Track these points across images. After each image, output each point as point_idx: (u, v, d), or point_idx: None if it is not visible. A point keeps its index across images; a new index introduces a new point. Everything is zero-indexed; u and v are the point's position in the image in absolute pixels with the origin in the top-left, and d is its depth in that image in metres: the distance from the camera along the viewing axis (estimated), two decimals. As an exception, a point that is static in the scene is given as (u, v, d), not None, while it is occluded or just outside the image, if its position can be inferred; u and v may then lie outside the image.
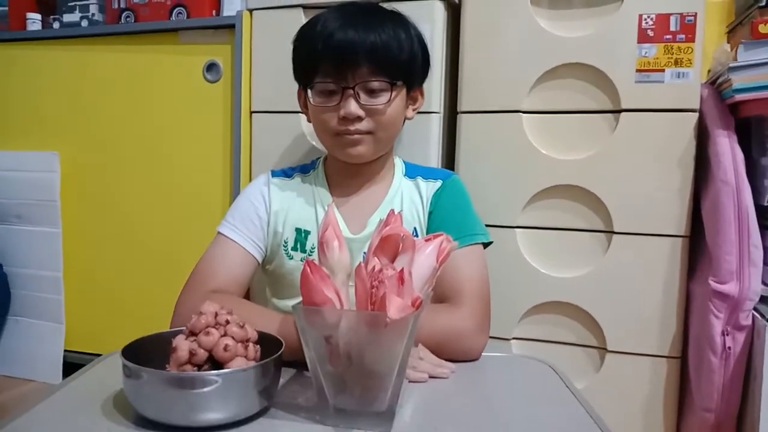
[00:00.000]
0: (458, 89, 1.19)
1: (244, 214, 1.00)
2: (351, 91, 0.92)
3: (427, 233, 0.96)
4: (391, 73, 0.93)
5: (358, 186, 1.03)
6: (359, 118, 0.93)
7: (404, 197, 1.02)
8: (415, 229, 1.00)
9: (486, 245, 1.00)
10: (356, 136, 0.94)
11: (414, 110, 1.03)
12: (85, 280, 1.54)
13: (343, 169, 1.03)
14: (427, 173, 1.05)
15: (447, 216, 1.00)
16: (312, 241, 1.00)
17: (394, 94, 0.94)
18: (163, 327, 0.72)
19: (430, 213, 1.01)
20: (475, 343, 0.88)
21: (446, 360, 0.85)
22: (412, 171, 1.06)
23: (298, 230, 1.01)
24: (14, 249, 1.58)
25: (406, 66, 0.95)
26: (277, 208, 1.01)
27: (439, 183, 1.03)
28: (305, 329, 0.64)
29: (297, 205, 1.02)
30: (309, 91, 0.96)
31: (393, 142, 1.04)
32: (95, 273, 1.53)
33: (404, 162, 1.08)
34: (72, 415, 0.66)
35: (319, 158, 1.09)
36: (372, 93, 0.93)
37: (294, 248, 1.00)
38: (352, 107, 0.92)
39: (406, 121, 1.04)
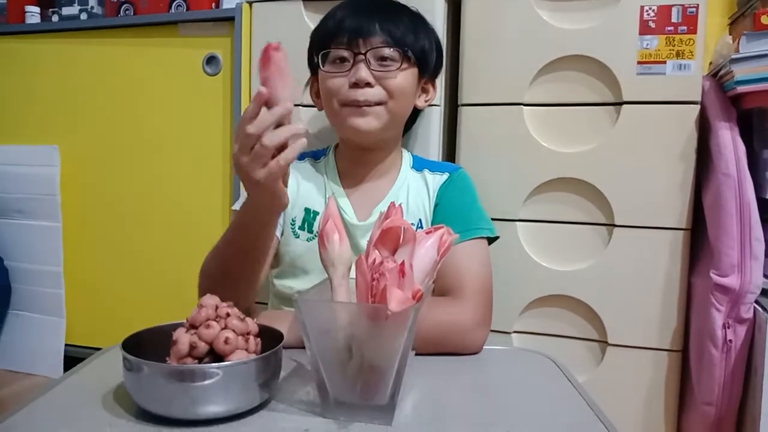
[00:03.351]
0: (459, 82, 1.19)
1: None
2: (362, 57, 0.94)
3: (432, 226, 0.95)
4: (402, 44, 0.95)
5: (366, 175, 1.03)
6: (369, 85, 0.94)
7: (410, 189, 1.03)
8: (420, 220, 1.00)
9: (492, 240, 1.00)
10: (365, 108, 0.95)
11: (426, 101, 1.05)
12: (85, 274, 1.54)
13: (352, 157, 1.04)
14: (434, 166, 1.06)
15: (452, 209, 1.00)
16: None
17: (405, 64, 0.96)
18: (164, 321, 0.72)
19: (436, 205, 1.01)
20: (476, 337, 0.88)
21: (447, 354, 0.85)
22: (420, 164, 1.07)
23: (307, 210, 1.01)
24: (15, 243, 1.58)
25: (419, 44, 0.98)
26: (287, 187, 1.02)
27: (446, 176, 1.03)
28: (306, 322, 0.64)
29: (307, 187, 1.03)
30: (321, 64, 0.97)
31: (402, 124, 1.04)
32: (96, 267, 1.53)
33: (412, 154, 1.09)
34: (73, 409, 0.66)
35: (329, 146, 1.09)
36: (383, 61, 0.95)
37: (301, 227, 1.01)
38: (363, 72, 0.93)
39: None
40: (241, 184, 0.78)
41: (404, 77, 0.96)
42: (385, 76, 0.95)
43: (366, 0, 1.01)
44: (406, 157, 1.07)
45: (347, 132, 0.99)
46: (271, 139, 0.71)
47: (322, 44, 0.98)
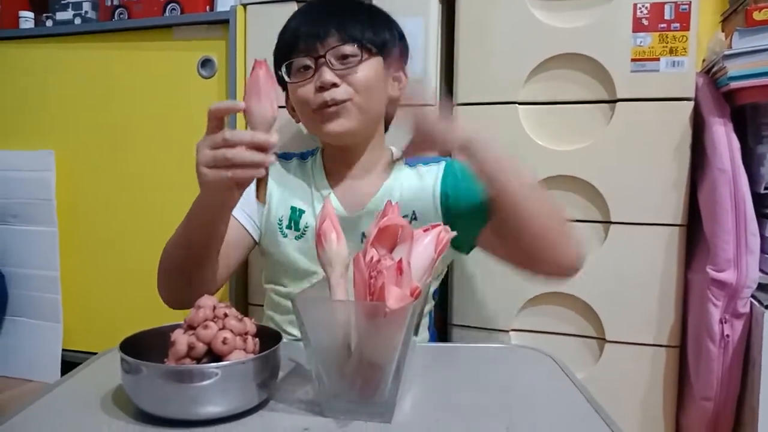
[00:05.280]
0: (454, 81, 1.19)
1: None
2: (323, 60, 0.94)
3: (458, 210, 0.97)
4: (360, 38, 0.95)
5: (352, 172, 1.04)
6: (335, 86, 0.94)
7: (404, 181, 1.03)
8: (414, 212, 1.00)
9: None
10: (334, 108, 0.94)
11: (399, 88, 1.03)
12: (82, 278, 1.53)
13: (336, 157, 1.05)
14: (426, 161, 1.06)
15: (469, 196, 0.98)
16: (305, 220, 1.01)
17: (366, 56, 0.96)
18: (161, 324, 0.72)
19: (446, 194, 0.99)
20: (582, 251, 0.88)
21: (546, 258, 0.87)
22: (411, 160, 1.06)
23: (293, 208, 1.01)
24: (11, 249, 1.58)
25: (379, 37, 0.98)
26: (272, 186, 1.02)
27: (442, 164, 1.03)
28: (304, 321, 0.64)
29: (293, 185, 1.04)
30: (287, 76, 0.98)
31: (379, 118, 1.04)
32: (92, 271, 1.52)
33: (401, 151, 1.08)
34: (71, 411, 0.66)
35: (318, 147, 1.10)
36: (344, 60, 0.95)
37: (288, 226, 1.01)
38: (327, 75, 0.93)
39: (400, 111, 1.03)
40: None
41: (366, 69, 0.96)
42: (348, 72, 0.95)
43: (319, 5, 1.02)
44: (397, 155, 1.07)
45: (326, 137, 1.00)
46: (236, 155, 0.73)
47: (282, 56, 0.99)
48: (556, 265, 0.89)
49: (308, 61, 0.96)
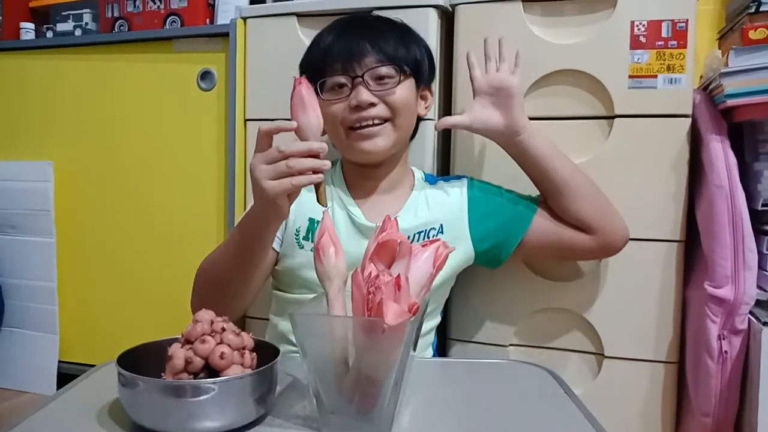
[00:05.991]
0: (452, 96, 1.19)
1: None
2: (360, 80, 0.95)
3: (492, 220, 1.03)
4: (396, 59, 0.97)
5: (376, 188, 1.05)
6: (372, 105, 0.95)
7: (429, 197, 1.05)
8: (441, 225, 1.02)
9: None
10: (373, 128, 0.96)
11: (426, 108, 1.07)
12: (79, 290, 1.53)
13: (359, 172, 1.05)
14: (447, 179, 1.10)
15: (501, 203, 1.05)
16: None
17: (402, 77, 0.97)
18: (158, 337, 0.72)
19: (474, 207, 1.04)
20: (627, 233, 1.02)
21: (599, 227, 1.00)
22: (431, 178, 1.10)
23: (311, 220, 1.01)
24: (8, 259, 1.57)
25: (411, 56, 1.00)
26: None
27: (464, 181, 1.07)
28: (302, 336, 0.64)
29: (311, 197, 1.03)
30: (320, 92, 0.98)
31: (408, 137, 1.05)
32: (89, 283, 1.52)
33: (423, 171, 1.12)
34: (68, 425, 0.66)
35: (337, 159, 1.10)
36: (381, 80, 0.96)
37: (305, 238, 1.01)
38: (364, 95, 0.95)
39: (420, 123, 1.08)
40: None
41: (403, 90, 0.98)
42: (386, 93, 0.96)
43: (350, 21, 1.03)
44: (418, 173, 1.10)
45: (356, 156, 1.01)
46: (297, 163, 0.76)
47: (316, 73, 0.99)
48: (614, 233, 1.02)
49: (343, 80, 0.96)
